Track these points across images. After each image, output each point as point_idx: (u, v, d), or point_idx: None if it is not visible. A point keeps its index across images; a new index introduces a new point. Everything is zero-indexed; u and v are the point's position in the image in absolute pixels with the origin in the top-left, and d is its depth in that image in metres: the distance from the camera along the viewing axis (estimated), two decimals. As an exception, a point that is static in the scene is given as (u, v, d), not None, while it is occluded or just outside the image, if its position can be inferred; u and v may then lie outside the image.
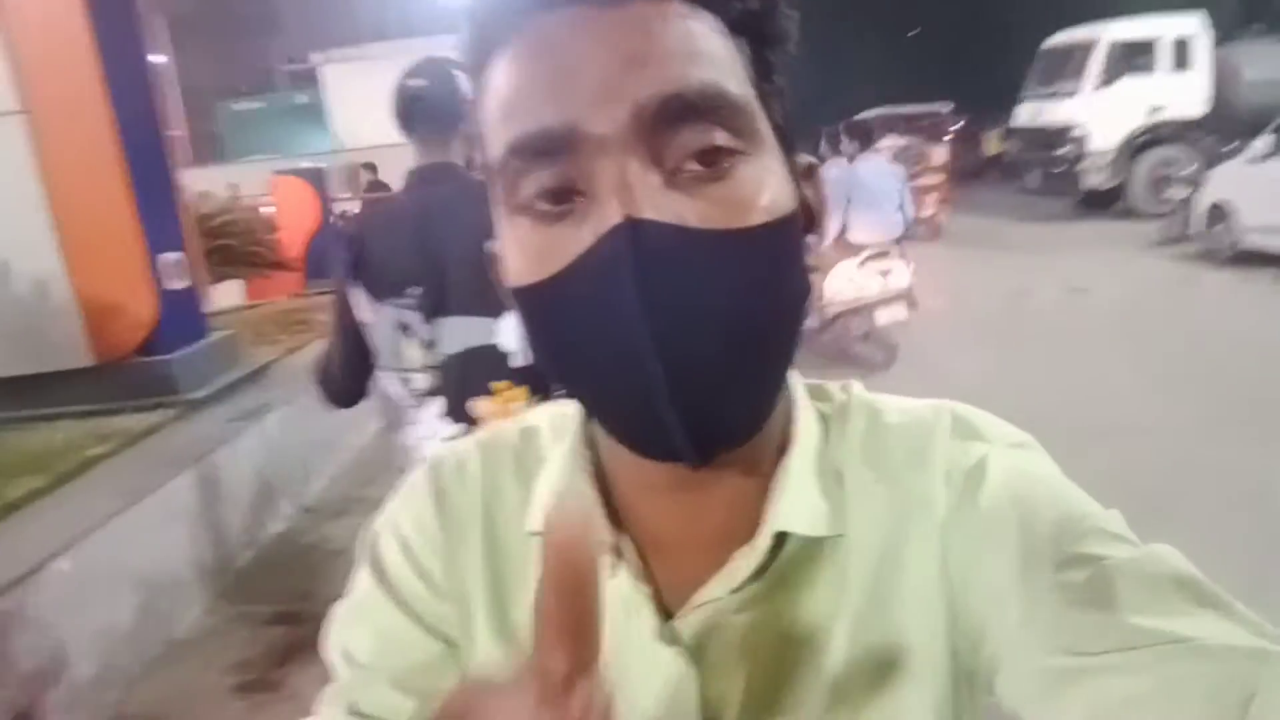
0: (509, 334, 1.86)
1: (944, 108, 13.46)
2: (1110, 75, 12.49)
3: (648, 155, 0.44)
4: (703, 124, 0.45)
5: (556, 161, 0.45)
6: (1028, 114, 14.27)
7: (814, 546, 0.54)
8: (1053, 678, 0.44)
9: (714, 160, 0.45)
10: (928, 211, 12.11)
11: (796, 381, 0.58)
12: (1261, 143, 8.65)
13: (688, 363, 0.44)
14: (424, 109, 1.93)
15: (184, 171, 7.52)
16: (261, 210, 9.47)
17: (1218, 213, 9.02)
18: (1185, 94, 12.40)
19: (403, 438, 1.98)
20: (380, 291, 1.88)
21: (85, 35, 4.39)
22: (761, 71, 0.49)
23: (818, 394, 0.60)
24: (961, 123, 22.37)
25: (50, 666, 2.96)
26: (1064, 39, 13.70)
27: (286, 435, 4.88)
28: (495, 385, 1.87)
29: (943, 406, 0.59)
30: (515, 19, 0.47)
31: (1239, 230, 8.68)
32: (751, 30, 0.49)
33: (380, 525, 0.63)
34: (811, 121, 18.20)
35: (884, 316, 6.15)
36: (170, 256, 4.90)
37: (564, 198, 0.46)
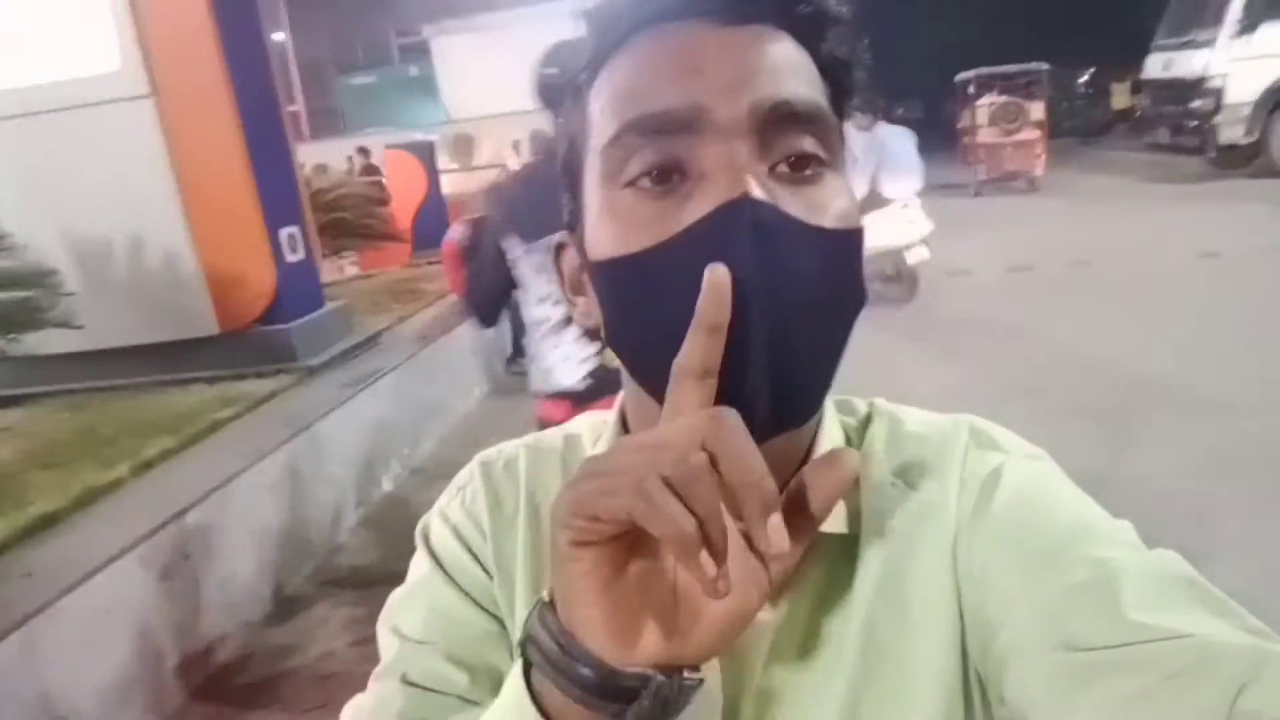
0: None
1: (1040, 66, 14.18)
2: (1251, 21, 11.55)
3: (757, 147, 0.50)
4: (802, 131, 0.51)
5: (671, 140, 0.50)
6: (1159, 65, 13.39)
7: (830, 545, 0.57)
8: (1059, 677, 0.46)
9: (805, 165, 0.51)
10: (1021, 165, 13.14)
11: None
12: None
13: (785, 336, 0.48)
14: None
15: (303, 145, 7.84)
16: (373, 183, 9.81)
17: (1369, 168, 8.32)
18: (1337, 40, 11.40)
19: (543, 361, 2.41)
20: (527, 236, 2.33)
21: (208, 20, 4.63)
22: (837, 110, 0.55)
23: (843, 408, 0.64)
24: (1088, 74, 21.26)
25: (177, 616, 3.21)
26: (1202, -18, 12.77)
27: (397, 400, 5.10)
28: None
29: (962, 419, 0.62)
30: (638, 25, 0.53)
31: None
32: (831, 75, 0.55)
33: (433, 515, 0.68)
34: (944, 73, 17.59)
35: (912, 257, 7.15)
36: (288, 230, 5.15)
37: (666, 177, 0.50)
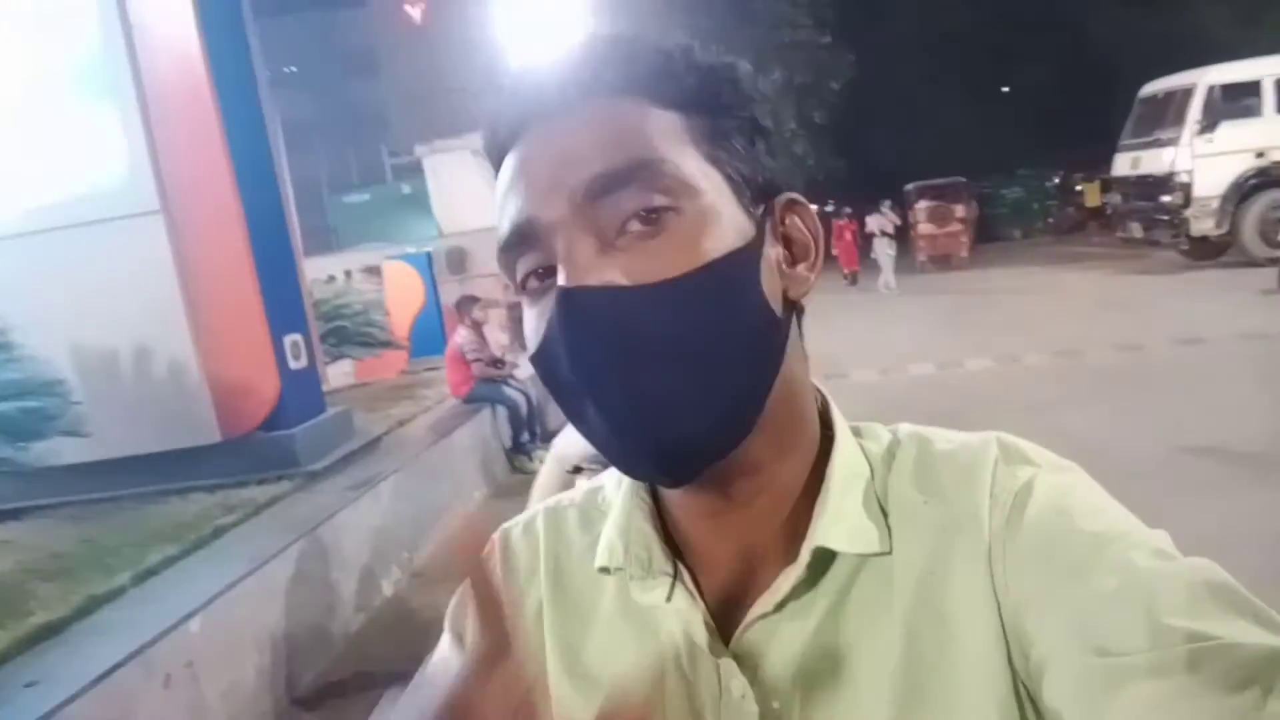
0: None
1: (959, 179, 19.18)
2: (1211, 120, 12.11)
3: (587, 228, 0.53)
4: (630, 190, 0.52)
5: (528, 248, 0.55)
6: (1127, 163, 13.93)
7: (861, 566, 0.57)
8: (1090, 682, 0.46)
9: (649, 219, 0.52)
10: (950, 250, 18.26)
11: (839, 420, 0.63)
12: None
13: (627, 404, 0.51)
14: None
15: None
16: (371, 294, 10.02)
17: (1339, 254, 8.60)
18: (1294, 135, 11.94)
19: None
20: None
21: (218, 139, 4.82)
22: (713, 136, 0.56)
23: (866, 434, 0.64)
24: (1059, 176, 22.09)
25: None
26: (1161, 86, 13.39)
27: (398, 503, 5.09)
28: None
29: (990, 435, 0.61)
30: (503, 150, 0.58)
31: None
32: (694, 105, 0.56)
33: (458, 594, 0.68)
34: (907, 178, 19.25)
35: None
36: (292, 338, 5.24)
37: (547, 274, 0.54)
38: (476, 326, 7.22)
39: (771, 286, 0.56)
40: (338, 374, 8.30)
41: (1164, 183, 12.62)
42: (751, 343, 0.55)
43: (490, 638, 0.41)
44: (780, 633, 0.57)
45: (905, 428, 0.65)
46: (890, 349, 8.76)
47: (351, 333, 7.98)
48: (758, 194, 0.58)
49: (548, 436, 7.28)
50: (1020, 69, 24.74)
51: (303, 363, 5.32)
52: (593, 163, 0.53)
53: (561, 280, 0.52)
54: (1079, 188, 21.25)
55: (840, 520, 0.57)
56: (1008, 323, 10.64)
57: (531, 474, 6.68)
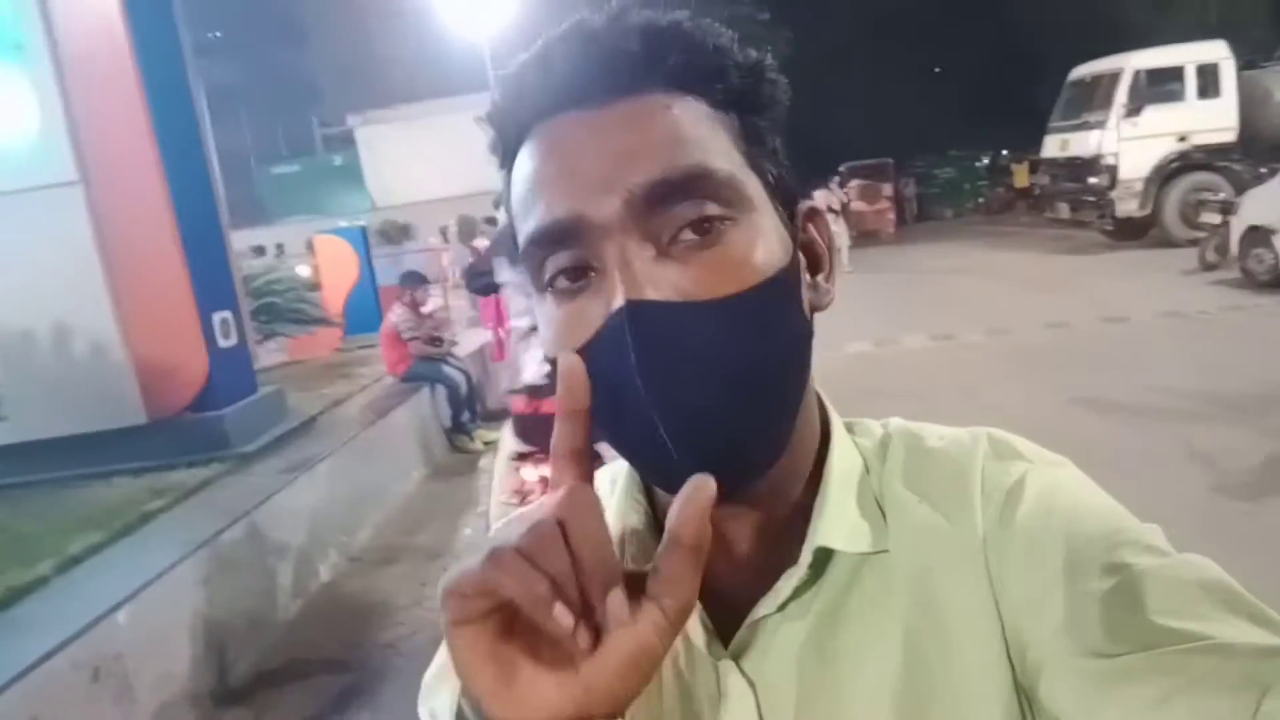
0: None
1: (887, 160, 21.47)
2: (1137, 104, 12.49)
3: (643, 234, 0.50)
4: (689, 199, 0.50)
5: (569, 246, 0.51)
6: (1056, 145, 14.28)
7: (860, 565, 0.57)
8: (1085, 684, 0.46)
9: (705, 229, 0.50)
10: (878, 226, 20.24)
11: (834, 418, 0.62)
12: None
13: (689, 421, 0.49)
14: None
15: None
16: (301, 269, 9.74)
17: (1256, 236, 8.94)
18: (1214, 120, 12.37)
19: (516, 361, 3.08)
20: (513, 260, 3.03)
21: (140, 107, 4.59)
22: (752, 138, 0.55)
23: (859, 430, 0.64)
24: (989, 157, 22.64)
25: (111, 717, 3.02)
26: (1089, 70, 13.73)
27: (334, 485, 4.97)
28: None
29: (980, 431, 0.62)
30: (526, 125, 0.54)
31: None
32: (738, 104, 0.54)
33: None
34: (838, 161, 19.60)
35: None
36: (221, 315, 5.05)
37: (580, 274, 0.52)
38: (413, 304, 7.07)
39: (805, 299, 0.56)
40: (269, 352, 8.07)
41: (1091, 164, 12.97)
42: (797, 358, 0.55)
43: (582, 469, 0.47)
44: (780, 634, 0.56)
45: (895, 422, 0.65)
46: (831, 326, 8.83)
47: (283, 309, 7.75)
48: (786, 200, 0.57)
49: (488, 416, 7.20)
50: (953, 50, 25.14)
51: (232, 340, 5.14)
52: (653, 165, 0.50)
53: (622, 291, 0.49)
54: (1009, 168, 21.77)
55: (839, 519, 0.57)
56: (942, 301, 10.84)
57: (472, 453, 6.63)
